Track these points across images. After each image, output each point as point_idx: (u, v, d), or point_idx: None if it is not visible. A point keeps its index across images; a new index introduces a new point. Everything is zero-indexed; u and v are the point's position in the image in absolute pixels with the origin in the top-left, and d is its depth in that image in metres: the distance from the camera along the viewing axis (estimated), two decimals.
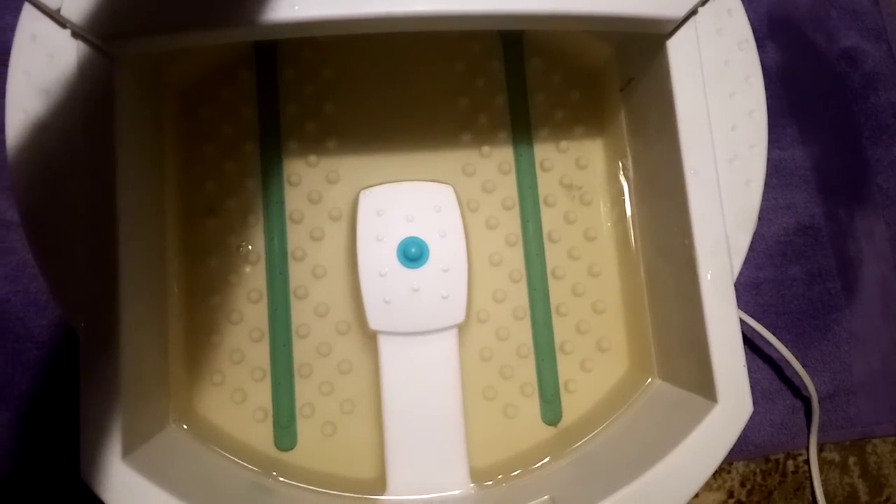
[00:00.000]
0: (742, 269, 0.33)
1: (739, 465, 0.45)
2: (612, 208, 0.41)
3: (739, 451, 0.45)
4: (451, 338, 0.37)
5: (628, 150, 0.39)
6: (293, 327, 0.38)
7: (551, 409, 0.39)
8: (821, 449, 0.46)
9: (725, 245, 0.32)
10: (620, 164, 0.40)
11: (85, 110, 0.29)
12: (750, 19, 0.34)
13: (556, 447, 0.37)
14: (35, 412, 0.39)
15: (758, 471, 0.45)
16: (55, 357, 0.40)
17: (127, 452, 0.28)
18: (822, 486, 0.45)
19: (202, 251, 0.38)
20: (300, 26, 0.29)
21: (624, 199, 0.40)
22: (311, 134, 0.40)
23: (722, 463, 0.30)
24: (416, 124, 0.41)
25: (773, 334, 0.42)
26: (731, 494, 0.45)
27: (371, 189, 0.39)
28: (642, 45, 0.35)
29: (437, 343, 0.37)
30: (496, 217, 0.40)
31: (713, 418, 0.31)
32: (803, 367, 0.43)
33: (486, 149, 0.41)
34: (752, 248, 0.33)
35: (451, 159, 0.41)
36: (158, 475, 0.28)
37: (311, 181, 0.40)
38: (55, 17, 0.29)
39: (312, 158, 0.40)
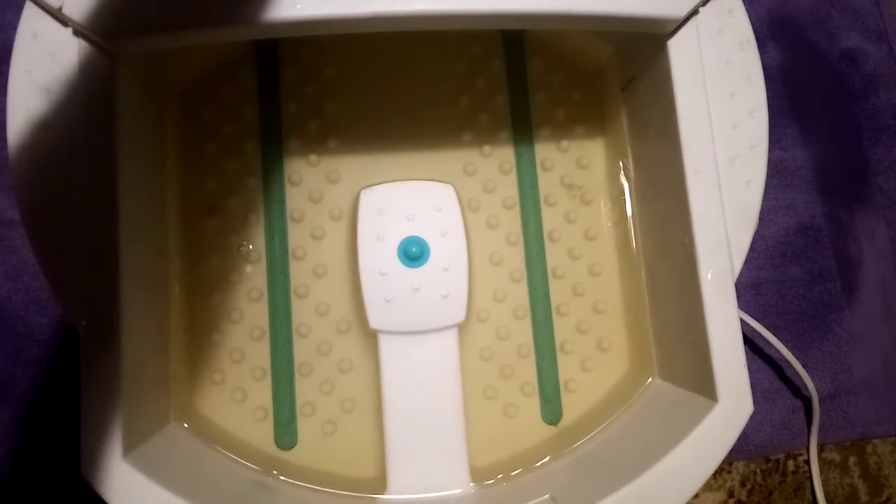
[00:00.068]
0: (742, 269, 0.33)
1: (740, 465, 0.45)
2: (613, 208, 0.41)
3: (740, 450, 0.45)
4: (451, 337, 0.37)
5: (629, 149, 0.39)
6: (294, 326, 0.38)
7: (551, 409, 0.39)
8: (821, 449, 0.46)
9: (726, 245, 0.32)
10: (621, 164, 0.40)
11: (86, 109, 0.29)
12: (751, 19, 0.34)
13: (556, 446, 0.37)
14: (36, 410, 0.39)
15: (758, 471, 0.45)
16: (56, 355, 0.40)
17: (128, 451, 0.28)
18: (823, 486, 0.45)
19: (203, 250, 0.38)
20: (301, 25, 0.29)
21: (624, 199, 0.40)
22: (312, 133, 0.40)
23: (722, 463, 0.30)
24: (417, 124, 0.41)
25: (774, 334, 0.43)
26: (731, 494, 0.45)
27: (372, 188, 0.39)
28: (643, 44, 0.35)
29: (437, 342, 0.37)
30: (497, 216, 0.40)
31: (713, 418, 0.31)
32: (804, 367, 0.43)
33: (486, 148, 0.41)
34: (752, 248, 0.33)
35: (452, 159, 0.41)
36: (159, 473, 0.28)
37: (311, 180, 0.40)
38: (57, 15, 0.29)
39: (313, 157, 0.40)
